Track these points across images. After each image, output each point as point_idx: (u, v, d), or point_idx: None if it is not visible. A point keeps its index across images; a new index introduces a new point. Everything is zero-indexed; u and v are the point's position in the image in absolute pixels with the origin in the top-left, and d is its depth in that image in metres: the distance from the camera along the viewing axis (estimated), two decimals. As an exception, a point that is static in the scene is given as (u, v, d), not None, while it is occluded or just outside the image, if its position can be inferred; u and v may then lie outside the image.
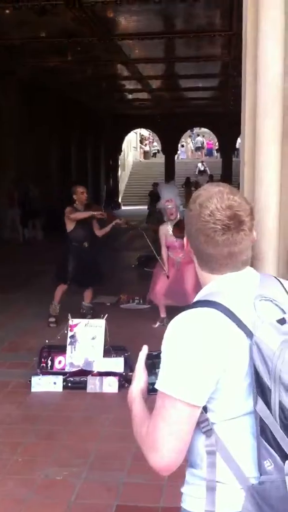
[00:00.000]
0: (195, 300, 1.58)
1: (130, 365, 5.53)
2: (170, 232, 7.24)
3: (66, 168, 22.33)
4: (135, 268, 11.96)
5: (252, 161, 2.05)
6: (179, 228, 7.01)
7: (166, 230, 7.31)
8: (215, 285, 1.56)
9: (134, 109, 26.30)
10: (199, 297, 1.58)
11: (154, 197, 20.18)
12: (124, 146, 32.94)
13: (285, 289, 1.60)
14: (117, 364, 5.43)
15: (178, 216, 7.21)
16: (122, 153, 32.55)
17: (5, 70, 15.17)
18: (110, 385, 5.20)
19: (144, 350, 1.73)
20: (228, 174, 29.02)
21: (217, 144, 35.85)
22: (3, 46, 13.19)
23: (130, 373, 5.44)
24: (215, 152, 39.37)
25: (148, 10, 11.09)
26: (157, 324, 7.40)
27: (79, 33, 12.58)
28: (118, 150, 31.31)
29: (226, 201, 1.52)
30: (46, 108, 18.67)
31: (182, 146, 41.26)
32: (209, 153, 41.04)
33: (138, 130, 38.30)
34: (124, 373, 5.39)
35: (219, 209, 1.51)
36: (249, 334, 1.46)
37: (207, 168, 34.20)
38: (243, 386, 1.47)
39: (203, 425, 1.50)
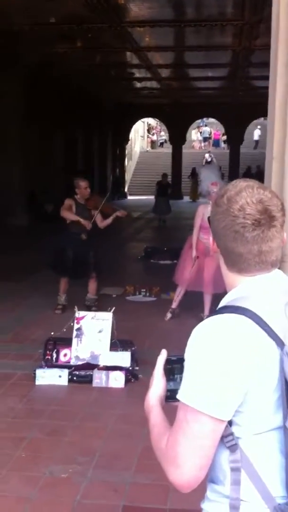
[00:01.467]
0: (222, 304, 1.47)
1: (136, 360, 5.45)
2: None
3: (72, 157, 22.17)
4: (141, 260, 11.84)
5: (282, 156, 1.92)
6: None
7: (206, 210, 6.89)
8: (244, 289, 1.45)
9: (142, 98, 26.06)
10: (226, 301, 1.46)
11: (162, 187, 20.11)
12: (131, 135, 32.72)
13: None
14: (123, 358, 5.33)
15: None
16: (129, 142, 32.34)
17: (13, 57, 14.98)
18: (117, 380, 5.10)
19: (163, 354, 1.61)
20: (235, 165, 28.90)
21: (224, 135, 35.75)
22: (11, 31, 13.01)
23: (137, 368, 5.39)
24: (222, 143, 39.17)
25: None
26: (168, 316, 7.28)
27: (89, 20, 12.41)
28: (125, 139, 31.10)
29: (256, 195, 1.42)
30: (53, 96, 18.50)
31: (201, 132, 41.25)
32: (216, 143, 40.83)
33: (146, 119, 38.04)
34: (130, 368, 5.30)
35: (249, 203, 1.40)
36: (280, 343, 1.35)
37: (214, 159, 34.02)
38: (272, 399, 1.36)
39: (227, 440, 1.39)
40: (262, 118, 34.44)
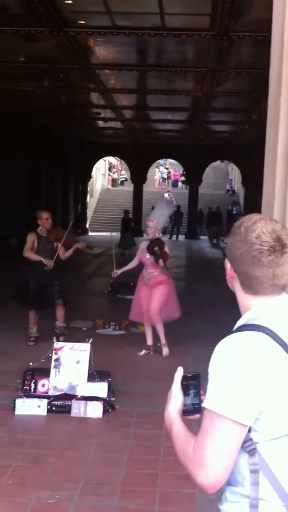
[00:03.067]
0: (240, 323, 1.66)
1: (112, 390, 5.55)
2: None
3: (36, 193, 22.29)
4: (108, 294, 11.97)
5: (284, 196, 2.15)
6: (151, 245, 7.27)
7: (144, 245, 7.48)
8: (260, 309, 1.64)
9: (104, 137, 26.53)
10: (244, 320, 1.65)
11: (124, 222, 20.72)
12: (93, 173, 33.10)
13: None
14: (101, 389, 5.42)
15: (157, 235, 7.40)
16: (91, 180, 32.71)
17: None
18: (95, 410, 5.19)
19: (180, 371, 1.78)
20: (194, 205, 29.59)
21: (182, 175, 36.63)
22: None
23: (113, 398, 5.49)
24: (180, 183, 40.09)
25: (128, 42, 11.32)
26: (143, 352, 7.40)
27: (59, 60, 12.74)
28: (88, 176, 31.45)
29: (270, 225, 1.64)
30: (17, 134, 18.67)
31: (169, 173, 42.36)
32: (174, 184, 41.73)
33: (107, 158, 38.57)
34: (107, 398, 5.39)
35: (264, 232, 1.62)
36: (295, 357, 1.55)
37: (173, 199, 34.61)
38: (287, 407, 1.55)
39: (247, 445, 1.55)
40: (219, 161, 35.78)
